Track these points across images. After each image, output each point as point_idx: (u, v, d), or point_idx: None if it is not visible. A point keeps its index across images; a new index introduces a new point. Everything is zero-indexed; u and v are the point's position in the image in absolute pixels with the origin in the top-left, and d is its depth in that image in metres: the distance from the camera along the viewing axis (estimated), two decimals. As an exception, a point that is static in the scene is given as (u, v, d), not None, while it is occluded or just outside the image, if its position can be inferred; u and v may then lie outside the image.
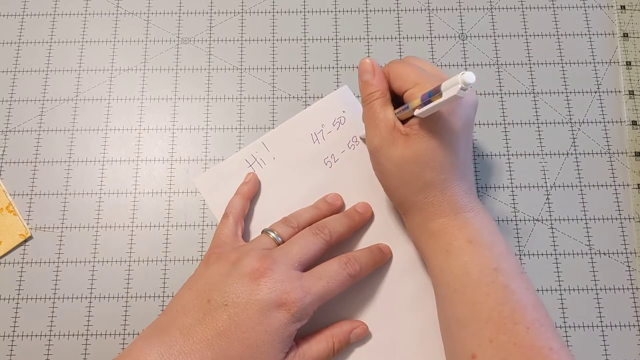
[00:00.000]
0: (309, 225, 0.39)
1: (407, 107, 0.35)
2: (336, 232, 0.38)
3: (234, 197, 0.41)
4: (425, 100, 0.32)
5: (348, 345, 0.38)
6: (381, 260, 0.40)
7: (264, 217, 0.42)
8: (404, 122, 0.36)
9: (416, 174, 0.35)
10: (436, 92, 0.31)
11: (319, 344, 0.36)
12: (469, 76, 0.29)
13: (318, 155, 0.43)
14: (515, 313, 0.32)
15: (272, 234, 0.38)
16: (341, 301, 0.40)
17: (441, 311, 0.36)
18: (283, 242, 0.38)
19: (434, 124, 0.34)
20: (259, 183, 0.43)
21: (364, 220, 0.41)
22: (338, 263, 0.37)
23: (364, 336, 0.39)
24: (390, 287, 0.40)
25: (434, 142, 0.34)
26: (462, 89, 0.29)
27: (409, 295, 0.40)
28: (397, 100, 0.37)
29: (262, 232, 0.39)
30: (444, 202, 0.35)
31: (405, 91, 0.36)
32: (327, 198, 0.42)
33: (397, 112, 0.36)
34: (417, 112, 0.33)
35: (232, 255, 0.36)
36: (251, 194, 0.42)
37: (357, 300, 0.40)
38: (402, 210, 0.38)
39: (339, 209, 0.42)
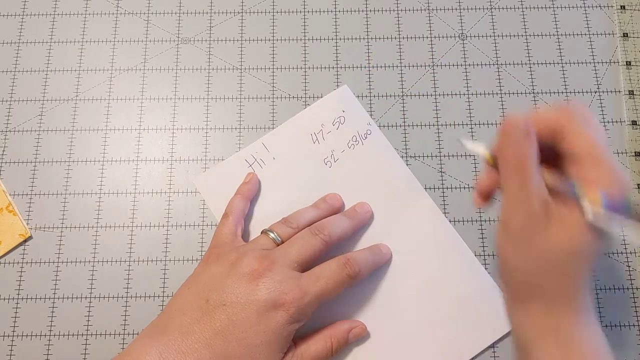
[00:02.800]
0: (309, 225, 0.39)
1: (574, 191, 0.28)
2: (336, 233, 0.38)
3: (234, 197, 0.41)
4: (614, 208, 0.26)
5: (346, 345, 0.38)
6: (381, 260, 0.40)
7: (264, 217, 0.42)
8: None
9: (572, 267, 0.29)
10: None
11: (317, 344, 0.36)
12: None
13: (318, 155, 0.43)
14: None
15: (272, 235, 0.38)
16: (340, 301, 0.40)
17: None
18: (282, 242, 0.38)
19: (580, 217, 0.28)
20: (259, 183, 0.43)
21: (363, 220, 0.41)
22: (337, 263, 0.37)
23: (363, 336, 0.39)
24: (390, 287, 0.40)
25: (585, 234, 0.28)
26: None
27: (409, 295, 0.40)
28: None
29: (262, 232, 0.39)
30: (578, 297, 0.30)
31: (576, 165, 0.29)
32: (327, 198, 0.42)
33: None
34: (591, 214, 0.27)
35: (231, 256, 0.36)
36: (251, 194, 0.42)
37: (357, 300, 0.40)
38: (519, 296, 0.32)
39: (338, 209, 0.42)
